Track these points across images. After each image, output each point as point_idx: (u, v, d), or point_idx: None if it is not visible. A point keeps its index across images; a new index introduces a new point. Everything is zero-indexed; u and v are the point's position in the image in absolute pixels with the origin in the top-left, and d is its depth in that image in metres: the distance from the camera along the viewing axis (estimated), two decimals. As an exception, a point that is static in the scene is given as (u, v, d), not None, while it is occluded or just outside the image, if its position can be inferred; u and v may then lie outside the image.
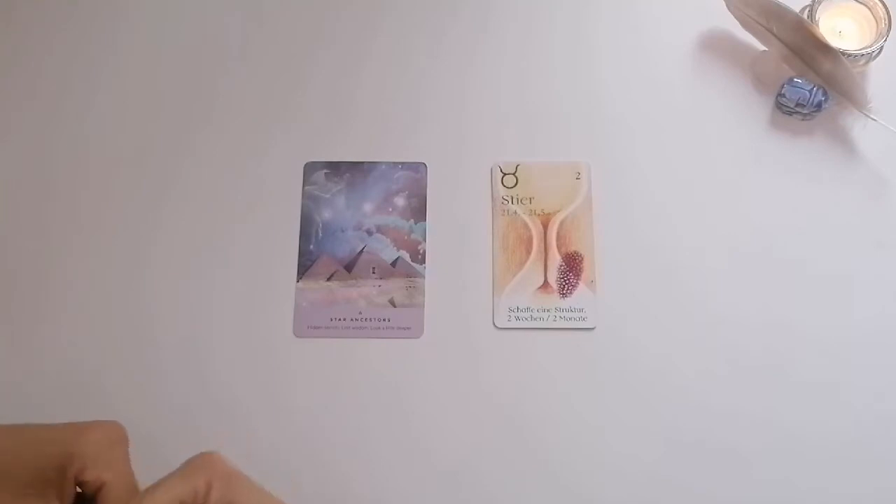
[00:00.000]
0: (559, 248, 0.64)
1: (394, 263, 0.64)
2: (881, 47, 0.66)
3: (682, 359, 0.61)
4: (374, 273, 0.63)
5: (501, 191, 0.65)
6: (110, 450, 0.46)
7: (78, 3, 0.72)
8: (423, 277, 0.63)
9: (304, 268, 0.63)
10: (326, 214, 0.65)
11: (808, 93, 0.65)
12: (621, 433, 0.59)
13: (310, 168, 0.66)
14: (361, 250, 0.64)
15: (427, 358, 0.61)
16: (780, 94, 0.66)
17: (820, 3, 0.66)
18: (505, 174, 0.66)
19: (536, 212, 0.65)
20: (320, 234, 0.64)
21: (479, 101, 0.68)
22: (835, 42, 0.65)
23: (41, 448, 0.46)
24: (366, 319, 0.62)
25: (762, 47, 0.69)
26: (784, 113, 0.67)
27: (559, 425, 0.59)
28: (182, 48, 0.70)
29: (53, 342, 0.61)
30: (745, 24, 0.68)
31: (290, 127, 0.67)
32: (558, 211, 0.65)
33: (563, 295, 0.62)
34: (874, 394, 0.60)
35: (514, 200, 0.65)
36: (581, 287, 0.63)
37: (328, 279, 0.63)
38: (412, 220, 0.65)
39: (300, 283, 0.63)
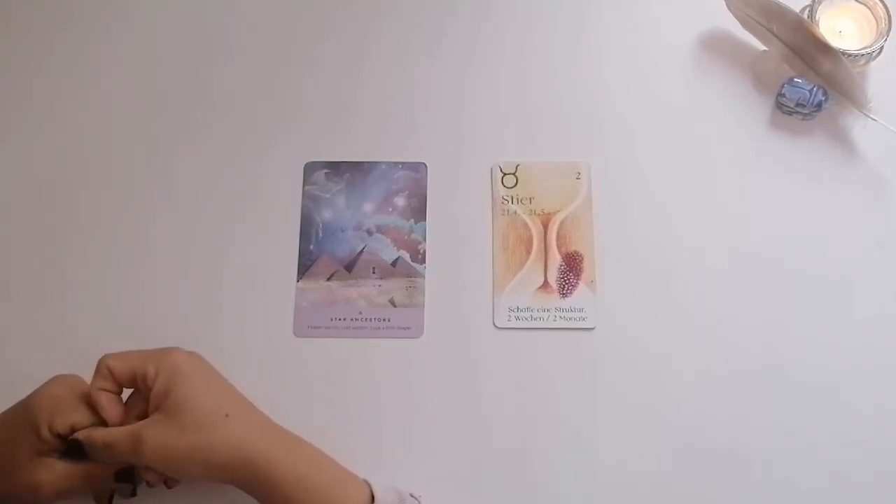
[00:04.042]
0: (559, 248, 0.64)
1: (394, 263, 0.64)
2: (881, 47, 0.66)
3: (682, 359, 0.61)
4: (374, 273, 0.63)
5: (501, 191, 0.65)
6: (65, 399, 0.52)
7: (77, 2, 0.72)
8: (423, 277, 0.63)
9: (304, 268, 0.63)
10: (326, 214, 0.65)
11: (808, 93, 0.65)
12: (621, 433, 0.59)
13: (310, 168, 0.66)
14: (361, 250, 0.64)
15: (427, 358, 0.61)
16: (780, 94, 0.66)
17: (820, 3, 0.66)
18: (505, 174, 0.66)
19: (536, 212, 0.65)
20: (320, 234, 0.64)
21: (479, 101, 0.68)
22: (835, 42, 0.65)
23: (14, 424, 0.52)
24: (366, 319, 0.62)
25: (762, 47, 0.69)
26: (784, 113, 0.67)
27: (559, 425, 0.59)
28: (182, 48, 0.70)
29: (53, 343, 0.61)
30: (745, 24, 0.68)
31: (290, 127, 0.67)
32: (558, 211, 0.65)
33: (563, 295, 0.62)
34: (874, 394, 0.60)
35: (514, 200, 0.65)
36: (581, 287, 0.63)
37: (328, 279, 0.63)
38: (412, 220, 0.65)
39: (300, 283, 0.63)
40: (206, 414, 0.50)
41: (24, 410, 0.52)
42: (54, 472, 0.51)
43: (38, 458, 0.51)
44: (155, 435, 0.49)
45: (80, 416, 0.52)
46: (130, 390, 0.54)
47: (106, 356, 0.53)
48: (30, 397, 0.52)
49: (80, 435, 0.51)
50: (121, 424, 0.52)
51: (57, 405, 0.52)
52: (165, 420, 0.50)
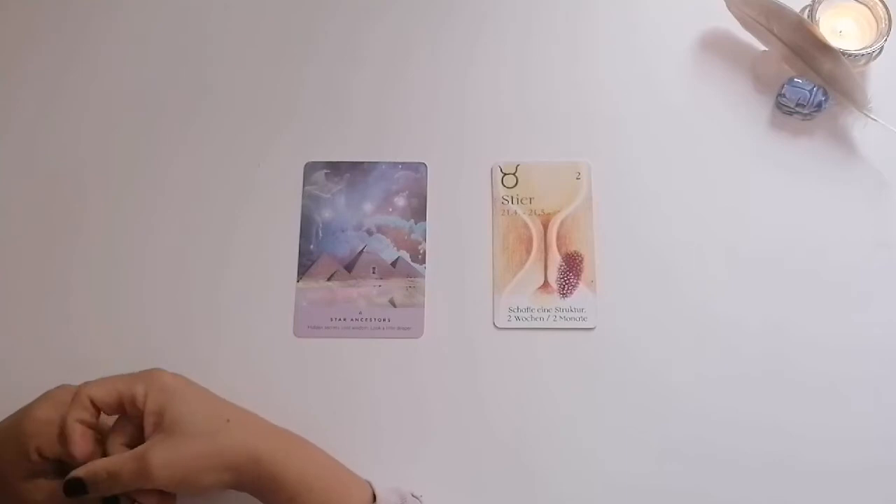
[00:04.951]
0: (559, 248, 0.64)
1: (394, 263, 0.64)
2: (881, 47, 0.66)
3: (682, 359, 0.61)
4: (374, 273, 0.63)
5: (501, 191, 0.65)
6: (53, 424, 0.50)
7: (76, 1, 0.72)
8: (423, 277, 0.63)
9: (304, 268, 0.63)
10: (326, 214, 0.65)
11: (808, 93, 0.65)
12: (621, 433, 0.59)
13: (310, 168, 0.66)
14: (361, 250, 0.64)
15: (427, 358, 0.61)
16: (780, 94, 0.66)
17: (820, 3, 0.66)
18: (505, 174, 0.66)
19: (536, 212, 0.65)
20: (320, 234, 0.64)
21: (479, 101, 0.68)
22: (835, 42, 0.65)
23: (4, 444, 0.51)
24: (366, 319, 0.62)
25: (762, 47, 0.69)
26: (784, 113, 0.67)
27: (559, 425, 0.59)
28: (181, 48, 0.70)
29: (54, 341, 0.61)
30: (746, 24, 0.68)
31: (290, 127, 0.67)
32: (558, 211, 0.65)
33: (563, 295, 0.62)
34: (875, 396, 0.60)
35: (514, 200, 0.65)
36: (581, 287, 0.63)
37: (328, 279, 0.63)
38: (412, 220, 0.65)
39: (300, 283, 0.63)
40: (208, 422, 0.50)
41: (15, 431, 0.51)
42: (44, 491, 0.50)
43: (30, 480, 0.50)
44: (160, 453, 0.48)
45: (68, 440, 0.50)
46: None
47: (85, 385, 0.51)
48: (20, 417, 0.51)
49: (80, 473, 0.49)
50: (100, 456, 0.50)
51: (43, 430, 0.50)
52: (167, 437, 0.49)
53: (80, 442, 0.50)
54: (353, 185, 0.66)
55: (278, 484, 0.49)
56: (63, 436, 0.50)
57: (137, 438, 0.51)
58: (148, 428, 0.50)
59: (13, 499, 0.50)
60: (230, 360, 0.61)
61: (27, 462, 0.50)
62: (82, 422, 0.50)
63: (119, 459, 0.49)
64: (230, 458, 0.49)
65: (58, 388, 0.54)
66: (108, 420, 0.53)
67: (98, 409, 0.51)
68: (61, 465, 0.51)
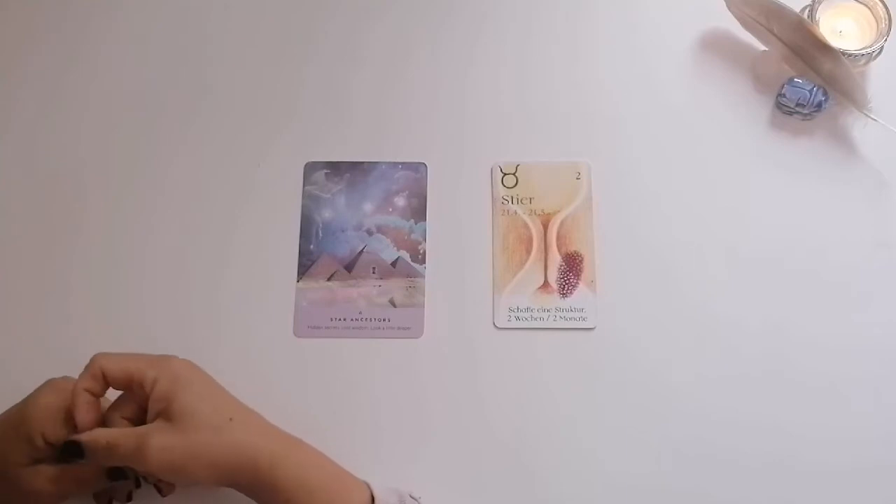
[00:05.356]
0: (559, 248, 0.64)
1: (394, 263, 0.64)
2: (881, 47, 0.66)
3: (682, 359, 0.61)
4: (374, 273, 0.63)
5: (501, 191, 0.65)
6: (58, 409, 0.52)
7: (75, 1, 0.72)
8: (423, 277, 0.63)
9: (304, 268, 0.63)
10: (326, 214, 0.65)
11: (808, 93, 0.65)
12: (621, 433, 0.59)
13: (310, 168, 0.66)
14: (361, 250, 0.64)
15: (427, 358, 0.61)
16: (780, 94, 0.66)
17: (820, 3, 0.66)
18: (505, 174, 0.66)
19: (536, 212, 0.65)
20: (320, 234, 0.64)
21: (479, 101, 0.68)
22: (835, 42, 0.65)
23: (7, 432, 0.52)
24: (366, 319, 0.62)
25: (762, 47, 0.69)
26: (784, 113, 0.67)
27: (559, 425, 0.59)
28: (181, 49, 0.70)
29: (54, 341, 0.61)
30: (746, 24, 0.68)
31: (290, 127, 0.67)
32: (558, 211, 0.65)
33: (563, 295, 0.62)
34: (875, 396, 0.59)
35: (514, 200, 0.65)
36: (581, 287, 0.63)
37: (328, 279, 0.63)
38: (412, 220, 0.65)
39: (300, 283, 0.63)
40: (211, 418, 0.51)
41: (18, 418, 0.51)
42: (46, 476, 0.51)
43: (32, 466, 0.51)
44: (160, 437, 0.49)
45: (72, 424, 0.51)
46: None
47: (100, 356, 0.52)
48: (23, 405, 0.52)
49: (82, 437, 0.50)
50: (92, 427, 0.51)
51: (48, 416, 0.51)
52: (170, 426, 0.50)
53: (84, 412, 0.51)
54: (353, 185, 0.66)
55: (277, 485, 0.50)
56: (70, 406, 0.51)
57: (138, 417, 0.52)
58: (152, 413, 0.51)
59: (13, 486, 0.51)
60: (230, 360, 0.60)
61: (31, 448, 0.51)
62: (89, 390, 0.51)
63: (120, 433, 0.50)
64: (227, 458, 0.49)
65: (61, 377, 0.54)
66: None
67: (108, 382, 0.52)
68: (66, 448, 0.51)
